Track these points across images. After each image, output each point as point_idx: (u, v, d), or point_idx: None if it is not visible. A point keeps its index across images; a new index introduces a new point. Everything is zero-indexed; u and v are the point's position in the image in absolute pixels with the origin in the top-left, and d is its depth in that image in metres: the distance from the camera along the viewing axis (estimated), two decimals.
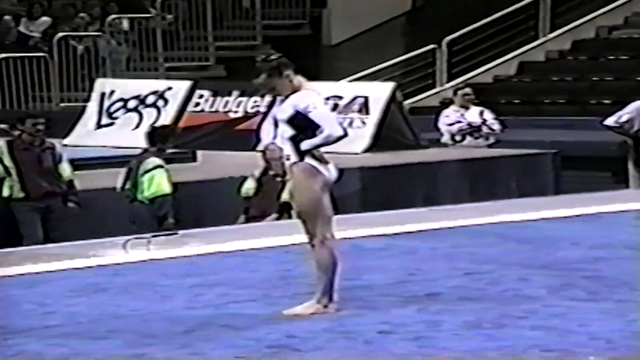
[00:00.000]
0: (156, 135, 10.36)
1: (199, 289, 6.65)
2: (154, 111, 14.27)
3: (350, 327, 5.80)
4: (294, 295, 6.25)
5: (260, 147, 6.04)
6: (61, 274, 7.20)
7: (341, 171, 6.10)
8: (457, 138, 12.78)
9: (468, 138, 12.78)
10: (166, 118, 14.11)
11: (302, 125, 5.89)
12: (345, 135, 5.98)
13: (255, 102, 13.85)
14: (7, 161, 10.01)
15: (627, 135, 11.64)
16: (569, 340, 5.53)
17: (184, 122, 14.03)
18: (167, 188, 9.99)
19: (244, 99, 13.95)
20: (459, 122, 12.75)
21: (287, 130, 5.91)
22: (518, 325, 5.80)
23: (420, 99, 17.63)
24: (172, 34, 19.03)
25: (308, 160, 5.93)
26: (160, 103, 14.31)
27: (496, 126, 12.92)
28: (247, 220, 10.00)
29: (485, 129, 12.79)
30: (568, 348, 5.40)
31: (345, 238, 8.07)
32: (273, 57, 5.98)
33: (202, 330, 5.79)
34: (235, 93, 14.05)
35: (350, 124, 13.40)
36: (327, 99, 13.75)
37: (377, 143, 13.08)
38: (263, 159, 9.48)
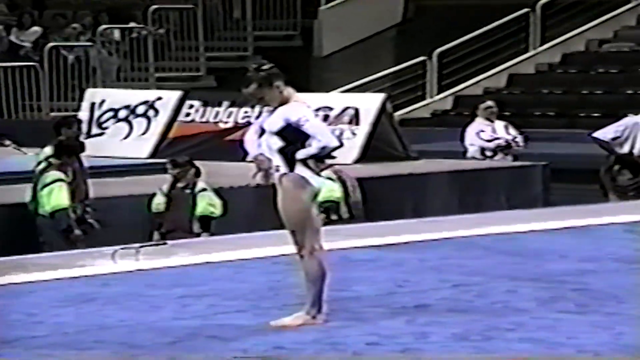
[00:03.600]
0: (64, 148, 10.27)
1: (187, 300, 6.64)
2: (144, 121, 14.27)
3: (339, 338, 5.79)
4: (283, 306, 6.24)
5: (248, 158, 6.01)
6: (49, 284, 7.18)
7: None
8: (488, 154, 12.59)
9: (499, 154, 12.62)
10: (156, 128, 14.11)
11: (292, 137, 5.89)
12: (341, 145, 6.00)
13: (245, 112, 13.85)
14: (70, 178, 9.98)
15: (611, 153, 11.64)
16: (557, 353, 5.53)
17: (175, 132, 14.03)
18: (65, 201, 9.92)
19: (235, 109, 13.95)
20: (497, 138, 12.55)
21: (276, 142, 5.91)
22: (506, 338, 5.80)
23: (411, 111, 17.65)
24: (163, 44, 19.03)
25: (298, 170, 5.93)
26: (150, 113, 14.30)
27: (521, 142, 12.78)
28: (162, 237, 9.98)
29: (514, 145, 12.66)
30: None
31: (334, 249, 8.07)
32: (264, 67, 5.97)
33: (189, 341, 5.78)
34: (225, 103, 14.05)
35: (341, 135, 13.40)
36: (318, 110, 13.76)
37: (367, 154, 13.09)
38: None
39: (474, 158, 12.72)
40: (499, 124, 12.86)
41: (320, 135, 5.88)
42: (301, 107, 5.94)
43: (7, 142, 13.49)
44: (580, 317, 6.21)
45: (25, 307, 6.53)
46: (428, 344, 5.70)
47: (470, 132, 12.82)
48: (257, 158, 5.94)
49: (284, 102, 5.94)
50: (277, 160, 5.91)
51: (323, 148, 5.89)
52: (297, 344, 5.68)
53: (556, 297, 6.68)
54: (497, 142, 12.59)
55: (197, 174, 10.60)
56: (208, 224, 10.38)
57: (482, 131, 12.72)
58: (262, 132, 5.96)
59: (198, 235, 10.24)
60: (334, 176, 10.84)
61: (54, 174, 9.99)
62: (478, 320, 6.13)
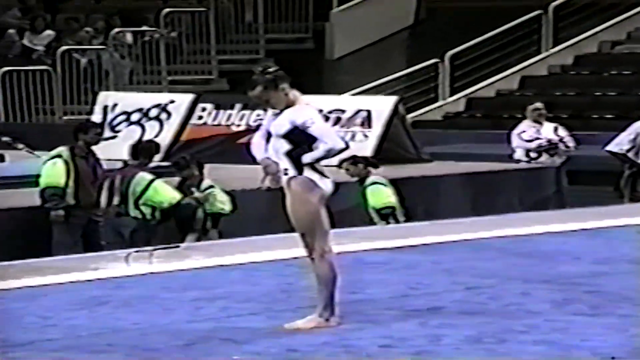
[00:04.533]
0: (141, 150, 10.42)
1: (200, 303, 6.64)
2: (156, 124, 14.29)
3: (352, 341, 5.79)
4: (296, 308, 6.24)
5: (258, 160, 6.00)
6: (62, 287, 7.20)
7: (337, 185, 6.09)
8: (533, 155, 12.46)
9: (544, 155, 12.50)
10: (169, 131, 14.13)
11: (299, 140, 5.88)
12: (347, 147, 5.98)
13: (257, 115, 13.86)
14: (71, 166, 10.01)
15: (631, 164, 11.52)
16: (571, 355, 5.52)
17: (187, 135, 14.04)
18: (176, 195, 10.11)
19: (247, 112, 13.96)
20: (538, 138, 12.45)
21: (283, 145, 5.90)
22: (520, 340, 5.79)
23: (423, 113, 17.64)
24: (175, 48, 19.06)
25: (307, 173, 5.92)
26: (163, 116, 14.33)
27: (571, 143, 12.58)
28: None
29: (562, 146, 12.50)
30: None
31: (346, 252, 8.07)
32: (270, 69, 5.96)
33: (203, 344, 5.78)
34: (237, 106, 14.06)
35: (353, 137, 13.41)
36: (330, 112, 13.78)
37: (379, 156, 13.08)
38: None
39: (519, 160, 12.58)
40: (548, 126, 12.65)
41: (327, 138, 5.87)
42: (307, 109, 5.93)
43: (20, 146, 13.53)
44: (593, 319, 6.19)
45: (39, 310, 6.54)
46: (441, 346, 5.69)
47: (514, 133, 12.63)
48: (264, 162, 5.93)
49: (290, 104, 5.93)
50: (285, 164, 5.91)
51: (329, 150, 5.88)
52: (310, 347, 5.68)
53: (570, 299, 6.67)
54: (537, 142, 12.39)
55: (201, 171, 10.63)
56: (217, 221, 10.42)
57: (524, 132, 12.52)
58: (269, 135, 5.94)
59: (207, 231, 10.26)
60: (384, 180, 10.81)
61: (144, 175, 10.01)
62: (491, 322, 6.13)
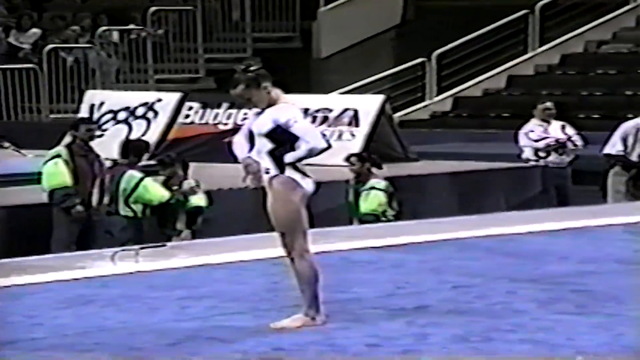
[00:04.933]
0: (131, 148, 10.40)
1: (186, 302, 6.63)
2: (143, 123, 14.27)
3: (338, 340, 5.79)
4: (282, 307, 6.24)
5: (239, 159, 5.97)
6: (48, 286, 7.18)
7: (318, 184, 6.08)
8: (542, 154, 12.32)
9: (553, 154, 12.35)
10: (156, 130, 14.10)
11: (282, 139, 5.86)
12: (329, 147, 5.96)
13: (245, 114, 13.84)
14: (70, 165, 9.98)
15: (631, 164, 11.48)
16: (557, 354, 5.53)
17: (174, 134, 14.02)
18: (165, 193, 10.09)
19: (234, 111, 13.95)
20: (546, 137, 12.33)
21: (265, 144, 5.88)
22: (506, 339, 5.80)
23: (410, 112, 17.65)
24: (162, 46, 19.03)
25: (288, 173, 5.90)
26: (149, 115, 14.30)
27: (579, 142, 12.44)
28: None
29: (570, 145, 12.36)
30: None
31: (333, 250, 8.07)
32: (252, 67, 5.94)
33: (189, 343, 5.77)
34: (224, 105, 14.05)
35: (340, 136, 13.41)
36: (317, 111, 13.78)
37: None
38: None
39: (527, 160, 12.49)
40: (555, 124, 12.46)
41: (309, 137, 5.85)
42: (290, 108, 5.92)
43: (7, 144, 13.49)
44: (580, 318, 6.20)
45: (25, 309, 6.52)
46: (428, 345, 5.69)
47: (522, 133, 12.52)
48: (245, 161, 5.92)
49: (272, 103, 5.91)
50: (267, 163, 5.89)
51: (311, 150, 5.86)
52: (296, 346, 5.67)
53: (556, 299, 6.68)
54: (546, 141, 12.25)
55: (185, 171, 10.60)
56: (194, 219, 10.38)
57: (532, 131, 12.40)
58: (251, 134, 5.92)
59: (180, 232, 10.23)
60: (383, 185, 10.70)
61: (134, 173, 10.01)
62: (478, 321, 6.13)
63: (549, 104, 12.78)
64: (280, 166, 5.88)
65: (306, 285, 5.96)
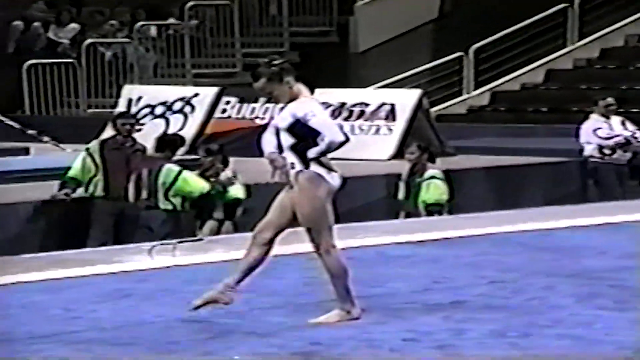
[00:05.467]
0: (166, 143, 10.44)
1: None
2: (180, 117, 14.32)
3: (375, 334, 5.78)
4: (319, 302, 6.24)
5: (265, 154, 5.96)
6: (86, 280, 7.22)
7: (345, 179, 6.05)
8: (607, 152, 12.06)
9: (617, 151, 12.08)
10: (193, 124, 14.15)
11: (302, 133, 5.83)
12: (347, 140, 5.88)
13: (282, 109, 13.84)
14: (98, 159, 10.03)
15: None
16: (596, 350, 5.50)
17: (211, 128, 14.06)
18: (205, 184, 10.15)
19: (271, 105, 13.96)
20: (616, 135, 12.03)
21: (287, 139, 5.86)
22: (544, 334, 5.77)
23: (447, 107, 17.59)
24: (199, 41, 19.08)
25: (313, 168, 5.87)
26: (187, 109, 14.35)
27: None
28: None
29: (634, 141, 12.12)
30: (595, 357, 5.36)
31: (369, 245, 8.06)
32: (276, 62, 5.91)
33: (226, 337, 5.79)
34: (261, 100, 14.06)
35: (377, 131, 13.40)
36: (354, 106, 13.77)
37: (403, 150, 13.05)
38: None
39: (591, 157, 12.17)
40: (615, 120, 12.22)
41: (326, 130, 5.80)
42: (309, 102, 5.88)
43: (46, 139, 13.59)
44: (618, 314, 6.16)
45: (63, 303, 6.57)
46: (465, 340, 5.68)
47: (586, 129, 12.21)
48: (270, 156, 5.90)
49: (294, 98, 5.88)
50: (291, 158, 5.86)
51: (330, 144, 5.81)
52: (333, 340, 5.67)
53: (594, 294, 6.64)
54: (616, 139, 12.01)
55: (225, 164, 10.63)
56: (233, 211, 10.41)
57: (599, 128, 12.10)
58: (277, 130, 5.90)
59: (223, 222, 10.27)
60: (442, 175, 10.71)
61: (172, 166, 10.06)
62: (515, 316, 6.11)
63: (610, 100, 12.49)
64: (305, 161, 5.86)
65: (337, 280, 5.95)
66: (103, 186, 10.06)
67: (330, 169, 5.92)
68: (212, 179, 10.35)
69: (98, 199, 10.06)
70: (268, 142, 5.95)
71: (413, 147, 10.85)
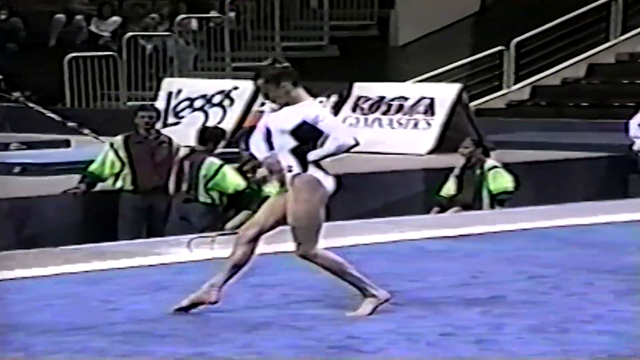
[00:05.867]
0: (208, 136, 10.47)
1: (261, 289, 6.66)
2: (220, 111, 14.35)
3: (413, 329, 5.77)
4: (356, 295, 6.23)
5: (260, 159, 5.92)
6: (126, 272, 7.26)
7: (338, 183, 5.98)
8: None
9: None
10: (232, 117, 14.17)
11: (306, 136, 5.82)
12: (357, 144, 5.85)
13: (320, 102, 13.85)
14: (122, 154, 10.11)
15: None
16: (637, 346, 5.46)
17: (250, 121, 14.08)
18: (241, 182, 10.17)
19: None
20: None
21: (289, 142, 5.82)
22: (583, 330, 5.74)
23: (487, 101, 17.51)
24: (239, 34, 19.12)
25: (311, 171, 5.85)
26: (226, 102, 14.38)
27: None
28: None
29: None
30: (635, 354, 5.32)
31: (407, 239, 8.04)
32: (278, 64, 5.93)
33: (263, 330, 5.80)
34: None
35: (415, 125, 13.36)
36: (393, 99, 13.74)
37: (442, 145, 13.02)
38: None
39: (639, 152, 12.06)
40: None
41: (338, 133, 5.79)
42: (317, 105, 5.90)
43: (86, 131, 13.67)
44: None
45: (103, 294, 6.60)
46: (503, 335, 5.65)
47: (634, 124, 12.15)
48: (267, 160, 5.87)
49: (291, 102, 5.86)
50: (289, 160, 5.84)
51: (340, 147, 5.80)
52: (370, 334, 5.67)
53: (635, 290, 6.59)
54: None
55: None
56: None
57: None
58: (268, 133, 5.87)
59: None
60: (501, 165, 10.74)
61: (214, 160, 10.10)
62: (554, 312, 6.07)
63: None
64: (304, 164, 5.83)
65: (342, 275, 5.92)
66: (131, 180, 10.10)
67: (326, 172, 5.88)
68: (249, 174, 10.37)
69: (127, 193, 10.10)
70: (258, 146, 5.91)
71: (467, 141, 10.92)
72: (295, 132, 5.82)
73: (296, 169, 5.85)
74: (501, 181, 10.64)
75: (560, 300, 6.40)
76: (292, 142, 5.83)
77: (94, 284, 6.91)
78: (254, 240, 5.99)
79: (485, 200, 10.63)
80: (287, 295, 6.50)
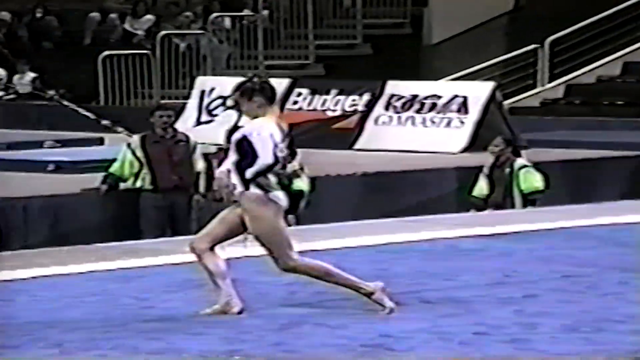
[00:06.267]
0: None
1: (294, 287, 6.66)
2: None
3: (446, 327, 5.75)
4: (388, 294, 6.21)
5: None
6: (159, 269, 7.28)
7: (292, 196, 6.02)
8: None
9: None
10: None
11: (244, 151, 5.87)
12: (276, 163, 5.86)
13: (353, 100, 13.84)
14: (140, 154, 10.15)
15: None
16: None
17: (282, 119, 14.07)
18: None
19: (342, 97, 13.95)
20: None
21: (232, 155, 5.90)
22: (617, 330, 5.70)
23: (520, 99, 17.43)
24: (272, 33, 19.13)
25: (253, 189, 5.87)
26: None
27: None
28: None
29: None
30: None
31: (441, 238, 8.01)
32: (256, 79, 5.98)
33: (296, 328, 5.80)
34: (333, 92, 14.06)
35: (448, 123, 13.32)
36: (426, 98, 13.70)
37: (475, 143, 12.97)
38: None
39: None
40: None
41: (260, 151, 5.84)
42: (264, 123, 5.90)
43: (120, 129, 13.72)
44: None
45: (136, 292, 6.63)
46: (537, 334, 5.62)
47: None
48: (217, 175, 5.93)
49: (257, 117, 5.92)
50: (233, 177, 5.89)
51: (261, 165, 5.85)
52: (403, 333, 5.65)
53: None
54: None
55: (293, 156, 10.59)
56: (296, 203, 10.38)
57: None
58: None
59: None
60: (529, 162, 10.72)
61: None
62: (588, 311, 6.03)
63: None
64: (245, 181, 5.87)
65: (333, 278, 5.94)
66: (150, 179, 10.12)
67: (268, 189, 5.87)
68: (279, 170, 10.34)
69: (148, 192, 10.12)
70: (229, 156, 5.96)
71: (498, 139, 10.86)
72: (237, 146, 5.91)
73: (239, 187, 5.89)
74: (532, 180, 10.61)
75: (595, 299, 6.36)
76: (234, 156, 5.92)
77: (126, 282, 6.93)
78: (211, 249, 5.99)
79: (517, 199, 10.59)
80: (320, 294, 6.49)
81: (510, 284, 6.78)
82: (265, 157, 5.87)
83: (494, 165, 10.74)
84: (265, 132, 5.90)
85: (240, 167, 5.89)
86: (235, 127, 12.59)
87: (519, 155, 10.88)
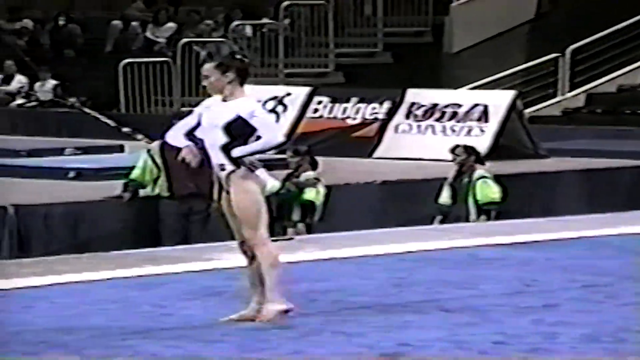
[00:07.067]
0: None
1: (312, 295, 6.66)
2: (272, 117, 14.34)
3: (464, 337, 5.73)
4: (407, 302, 6.22)
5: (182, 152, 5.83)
6: (177, 277, 7.29)
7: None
8: None
9: None
10: (284, 123, 14.19)
11: (238, 132, 5.73)
12: (285, 142, 5.77)
13: (373, 108, 13.83)
14: (158, 160, 10.20)
15: None
16: None
17: (302, 128, 14.09)
18: (275, 183, 10.14)
19: (362, 105, 13.94)
20: None
21: (220, 138, 5.74)
22: (638, 340, 5.66)
23: (541, 108, 17.38)
24: (293, 40, 19.16)
25: (243, 168, 5.77)
26: (279, 109, 14.40)
27: None
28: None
29: None
30: None
31: (460, 247, 8.00)
32: (237, 55, 5.81)
33: (314, 336, 5.79)
34: (353, 100, 14.06)
35: (469, 132, 13.29)
36: (446, 106, 13.68)
37: (496, 151, 12.94)
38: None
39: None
40: None
41: (266, 130, 5.69)
42: (253, 101, 5.79)
43: (140, 137, 13.74)
44: None
45: (155, 299, 6.63)
46: (556, 344, 5.60)
47: None
48: (185, 150, 5.74)
49: (228, 96, 5.74)
50: (221, 158, 5.75)
51: (266, 143, 5.72)
52: (421, 342, 5.64)
53: None
54: None
55: (314, 165, 10.57)
56: (306, 212, 10.34)
57: None
58: (197, 126, 5.76)
59: (295, 224, 10.22)
60: (491, 176, 10.66)
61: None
62: (608, 321, 6.00)
63: None
64: (235, 161, 5.75)
65: (272, 270, 5.83)
66: (167, 187, 10.15)
67: (252, 168, 5.78)
68: (294, 179, 10.34)
69: (165, 199, 10.16)
70: (176, 135, 5.80)
71: (459, 149, 10.74)
72: (228, 128, 5.73)
73: (228, 166, 5.77)
74: (488, 192, 10.42)
75: (615, 309, 6.33)
76: (223, 139, 5.74)
77: (146, 289, 6.94)
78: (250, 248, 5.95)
79: (472, 209, 10.43)
80: (339, 302, 6.49)
81: (530, 293, 6.76)
82: (274, 137, 5.73)
83: (458, 174, 10.62)
84: (262, 111, 5.78)
85: (229, 149, 5.75)
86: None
87: (483, 164, 10.73)
